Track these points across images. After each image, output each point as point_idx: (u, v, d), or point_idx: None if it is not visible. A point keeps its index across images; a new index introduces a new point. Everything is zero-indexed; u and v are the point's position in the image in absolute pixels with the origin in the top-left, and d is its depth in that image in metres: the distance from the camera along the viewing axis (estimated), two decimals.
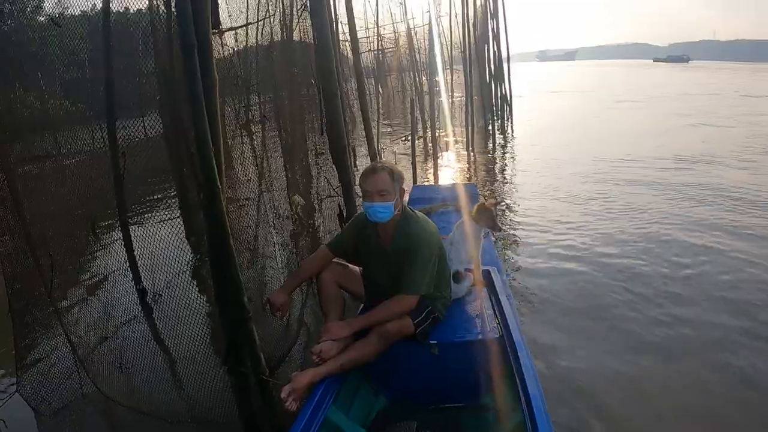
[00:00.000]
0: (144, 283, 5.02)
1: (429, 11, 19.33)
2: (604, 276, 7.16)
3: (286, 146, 5.77)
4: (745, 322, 5.72)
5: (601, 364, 5.14)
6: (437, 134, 14.72)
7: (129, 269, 5.13)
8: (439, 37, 25.54)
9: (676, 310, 6.05)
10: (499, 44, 23.45)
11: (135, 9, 4.77)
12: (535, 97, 42.49)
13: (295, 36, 6.46)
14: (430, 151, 14.31)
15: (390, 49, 29.43)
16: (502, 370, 3.70)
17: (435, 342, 3.78)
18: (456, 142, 19.45)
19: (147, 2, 4.80)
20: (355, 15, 8.74)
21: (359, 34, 13.82)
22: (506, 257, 7.86)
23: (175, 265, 4.60)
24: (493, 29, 23.00)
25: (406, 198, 5.75)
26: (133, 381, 4.38)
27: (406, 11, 23.87)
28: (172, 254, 4.53)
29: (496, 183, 13.46)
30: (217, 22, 3.72)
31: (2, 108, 4.10)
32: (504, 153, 17.59)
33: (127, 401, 4.22)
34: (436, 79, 19.01)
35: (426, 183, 12.19)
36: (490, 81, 22.79)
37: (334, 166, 5.86)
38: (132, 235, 5.21)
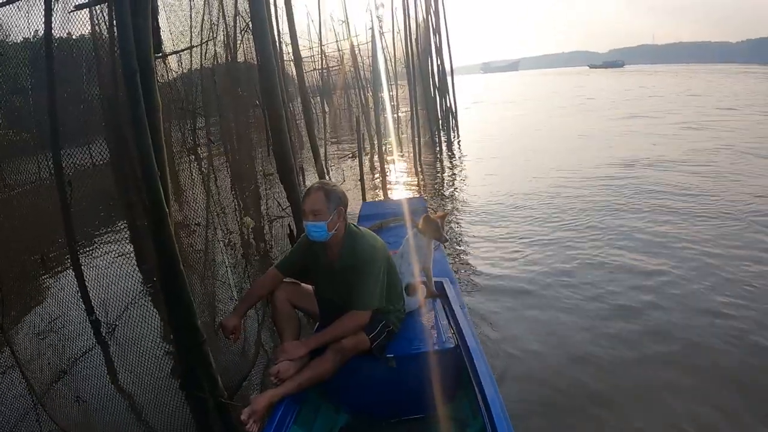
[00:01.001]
0: (97, 313, 4.95)
1: (372, 28, 19.47)
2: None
3: (234, 168, 5.76)
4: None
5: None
6: (384, 149, 14.77)
7: (81, 300, 5.05)
8: (383, 53, 25.73)
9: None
10: (442, 58, 23.74)
11: (78, 34, 4.73)
12: (479, 108, 43.04)
13: (240, 57, 6.46)
14: (378, 167, 14.36)
15: (335, 67, 29.51)
16: (460, 379, 3.76)
17: (392, 355, 3.81)
18: (403, 156, 19.53)
19: (89, 28, 4.78)
20: (298, 34, 8.77)
21: (303, 53, 13.86)
22: (457, 267, 7.93)
23: (128, 294, 4.54)
24: (435, 44, 23.25)
25: (357, 215, 5.76)
26: (91, 414, 4.30)
27: (349, 29, 23.99)
28: (124, 283, 4.48)
29: (444, 195, 13.53)
30: (159, 46, 3.70)
31: None
32: (452, 165, 17.69)
33: None
34: (381, 95, 19.10)
35: (376, 199, 12.22)
36: (434, 94, 23.01)
37: (282, 186, 5.86)
38: (82, 265, 5.14)
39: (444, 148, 20.76)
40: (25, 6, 4.41)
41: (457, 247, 8.99)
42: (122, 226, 5.67)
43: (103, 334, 4.81)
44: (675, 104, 33.67)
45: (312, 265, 4.06)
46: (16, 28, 4.29)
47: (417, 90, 19.08)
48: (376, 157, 15.80)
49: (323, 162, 8.64)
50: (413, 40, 19.06)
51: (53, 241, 4.99)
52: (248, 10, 5.99)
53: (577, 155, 17.07)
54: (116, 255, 4.71)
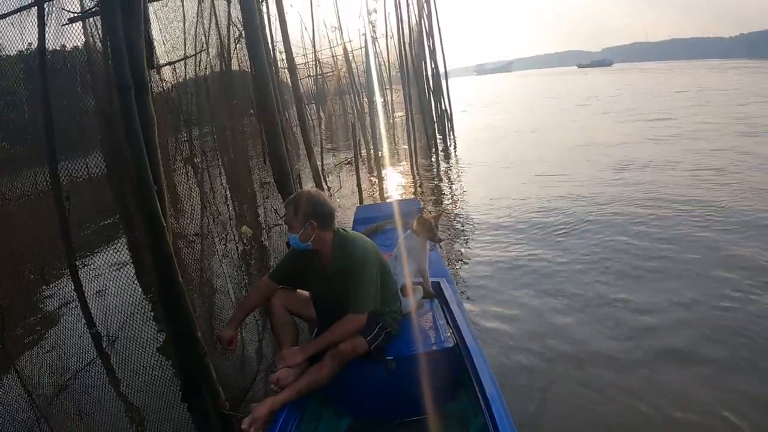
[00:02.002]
0: (98, 326, 4.94)
1: (365, 34, 19.48)
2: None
3: (230, 178, 5.76)
4: None
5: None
6: (380, 154, 14.79)
7: (81, 314, 5.04)
8: (377, 58, 25.74)
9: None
10: (436, 61, 23.73)
11: (71, 46, 4.73)
12: (474, 111, 43.08)
13: (234, 66, 6.47)
14: (375, 171, 14.39)
15: (329, 74, 29.50)
16: (460, 379, 3.78)
17: (391, 357, 3.82)
18: (399, 159, 19.54)
19: (83, 40, 4.78)
20: (292, 42, 8.78)
21: (297, 60, 13.87)
22: (453, 266, 8.01)
23: (128, 307, 4.54)
24: (429, 47, 23.25)
25: (351, 219, 5.77)
26: (94, 427, 4.29)
27: (342, 35, 24.01)
28: (123, 296, 4.48)
29: (440, 197, 13.59)
30: (152, 60, 3.71)
31: None
32: (448, 167, 17.71)
33: None
34: (375, 100, 19.11)
35: (372, 202, 12.23)
36: (429, 98, 23.01)
37: (279, 195, 5.85)
38: (82, 278, 5.13)
39: (440, 151, 20.75)
40: (19, 19, 4.42)
41: (453, 247, 9.02)
42: (120, 238, 5.67)
43: (104, 347, 4.81)
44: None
45: (305, 271, 4.07)
46: (10, 41, 4.29)
47: (412, 94, 19.07)
48: (372, 162, 15.82)
49: (319, 168, 8.63)
50: (407, 44, 19.07)
51: (52, 255, 4.99)
52: (241, 19, 6.00)
53: (571, 156, 17.14)
54: (115, 267, 4.69)
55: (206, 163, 5.79)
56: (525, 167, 15.88)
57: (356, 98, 22.91)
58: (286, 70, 13.85)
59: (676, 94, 39.41)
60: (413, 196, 13.16)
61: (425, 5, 22.78)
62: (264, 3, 8.22)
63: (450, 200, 13.17)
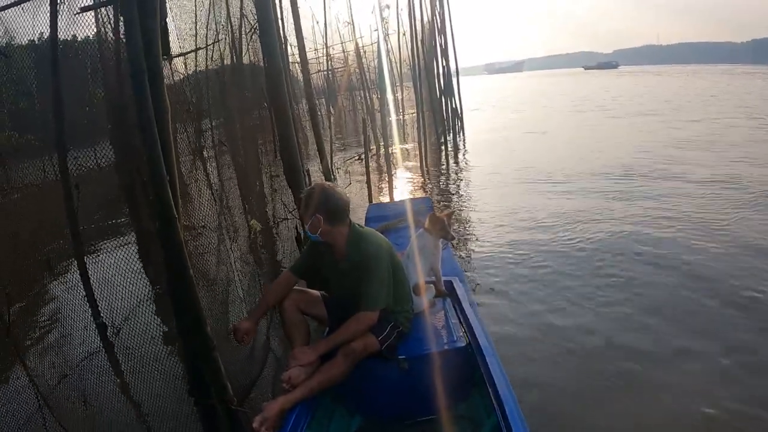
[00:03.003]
0: (103, 317, 4.91)
1: (377, 30, 19.44)
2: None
3: (240, 170, 5.72)
4: None
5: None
6: (390, 151, 14.76)
7: (87, 303, 5.01)
8: (388, 54, 25.70)
9: None
10: (448, 59, 23.65)
11: (83, 37, 4.70)
12: (485, 110, 42.98)
13: (245, 59, 6.44)
14: (385, 169, 14.36)
15: (340, 69, 29.46)
16: (472, 378, 3.73)
17: (404, 357, 3.80)
18: (409, 157, 19.50)
19: (95, 30, 4.74)
20: (303, 36, 8.74)
21: (308, 55, 13.83)
22: (464, 265, 7.97)
23: (134, 298, 4.50)
24: (440, 45, 23.18)
25: (363, 217, 5.74)
26: (97, 417, 4.26)
27: (354, 31, 23.96)
28: (130, 287, 4.44)
29: (450, 195, 13.57)
30: (167, 48, 3.67)
31: None
32: (457, 166, 17.67)
33: None
34: (387, 97, 19.09)
35: (382, 200, 12.20)
36: (440, 96, 22.95)
37: (289, 188, 5.82)
38: (88, 268, 5.10)
39: (450, 149, 20.71)
40: (31, 8, 4.39)
41: (465, 246, 8.99)
42: (128, 229, 5.65)
43: (110, 338, 4.78)
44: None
45: (320, 265, 4.08)
46: (21, 31, 4.26)
47: (423, 91, 19.00)
48: (382, 159, 15.78)
49: (329, 164, 8.60)
50: (419, 42, 19.00)
51: (59, 244, 4.96)
52: (254, 12, 5.97)
53: (581, 157, 17.09)
54: (122, 258, 4.65)
55: (216, 156, 5.76)
56: (536, 169, 15.79)
57: (367, 95, 22.84)
58: (296, 64, 13.88)
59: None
60: (424, 194, 13.13)
61: (438, 2, 22.70)
62: None
63: (460, 199, 13.14)
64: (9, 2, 4.30)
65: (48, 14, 4.57)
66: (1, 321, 3.86)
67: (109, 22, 4.79)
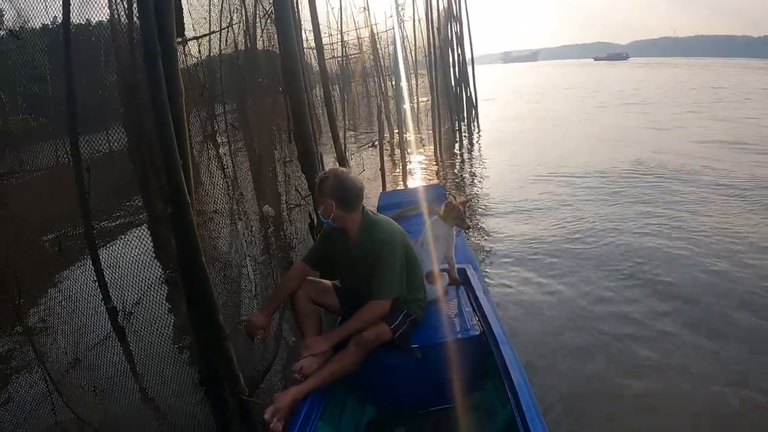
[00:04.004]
0: (114, 302, 4.90)
1: (392, 16, 19.35)
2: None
3: (253, 156, 5.68)
4: None
5: None
6: (404, 138, 14.71)
7: (98, 288, 5.00)
8: (403, 42, 25.60)
9: None
10: (463, 47, 23.53)
11: (96, 20, 4.67)
12: (500, 100, 42.69)
13: (259, 44, 6.40)
14: (398, 156, 14.29)
15: (354, 55, 29.36)
16: (486, 367, 3.72)
17: (417, 346, 3.76)
18: (423, 145, 19.44)
19: (108, 13, 4.71)
20: (318, 21, 8.70)
21: (323, 41, 13.80)
22: (477, 253, 7.96)
23: (145, 283, 4.48)
24: (456, 32, 23.06)
25: (375, 205, 5.70)
26: (108, 405, 4.25)
27: (369, 16, 23.83)
28: (141, 272, 4.42)
29: (464, 183, 13.54)
30: (182, 29, 3.62)
31: None
32: (471, 155, 17.61)
33: (102, 425, 4.09)
34: (401, 84, 19.05)
35: (396, 188, 12.17)
36: (455, 84, 22.85)
37: (303, 175, 5.78)
38: (99, 252, 5.09)
39: (464, 138, 20.63)
40: None
41: (479, 234, 8.99)
42: (140, 214, 5.63)
43: (121, 323, 4.77)
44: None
45: (333, 253, 4.05)
46: (34, 14, 4.23)
47: (437, 79, 18.91)
48: (396, 146, 15.74)
49: (343, 150, 8.56)
50: (434, 29, 18.89)
51: (71, 227, 4.95)
52: None
53: (594, 148, 17.06)
54: (134, 243, 4.63)
55: (229, 141, 5.74)
56: (550, 158, 15.66)
57: (381, 81, 22.74)
58: (310, 50, 13.82)
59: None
60: (437, 182, 13.10)
61: None
62: None
63: (473, 187, 13.10)
64: None
65: None
66: (12, 304, 3.85)
67: (123, 7, 4.76)
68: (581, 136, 19.96)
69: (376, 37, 23.61)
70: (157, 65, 2.99)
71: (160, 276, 4.66)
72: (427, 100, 21.69)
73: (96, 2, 4.59)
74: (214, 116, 5.43)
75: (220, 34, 5.70)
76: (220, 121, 5.62)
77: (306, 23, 10.66)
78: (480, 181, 13.71)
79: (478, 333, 3.80)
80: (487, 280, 6.39)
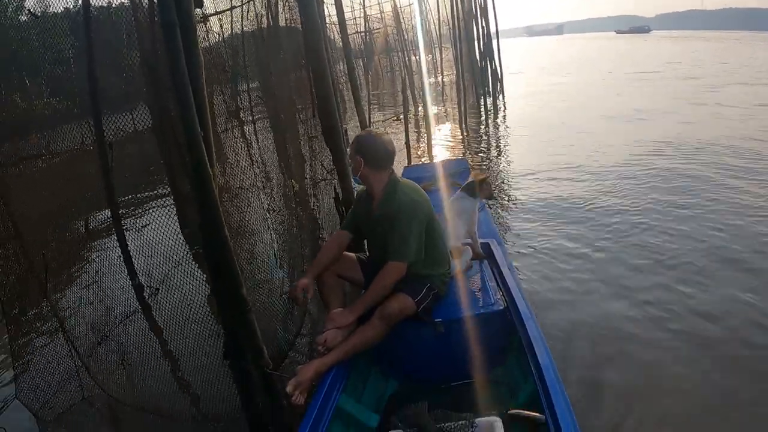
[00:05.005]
0: (140, 278, 4.93)
1: None
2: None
3: (277, 131, 5.67)
4: None
5: None
6: (429, 112, 14.65)
7: (124, 264, 5.03)
8: (427, 15, 25.44)
9: None
10: (487, 20, 23.36)
11: (117, 2, 4.68)
12: (526, 73, 42.01)
13: (281, 20, 6.37)
14: (423, 130, 14.24)
15: (377, 30, 29.25)
16: (510, 342, 3.72)
17: (440, 320, 3.76)
18: (447, 119, 19.36)
19: None
20: None
21: (346, 16, 13.75)
22: (501, 227, 8.02)
23: (171, 259, 4.50)
24: (480, 5, 22.89)
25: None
26: (135, 379, 4.29)
27: None
28: (167, 248, 4.44)
29: (489, 157, 13.49)
30: (200, 1, 3.58)
31: None
32: (496, 129, 17.48)
33: (130, 400, 4.12)
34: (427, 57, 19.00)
35: (420, 162, 12.14)
36: (479, 58, 22.71)
37: (327, 149, 5.76)
38: (125, 229, 5.12)
39: (489, 112, 20.49)
40: None
41: (503, 208, 9.05)
42: (165, 191, 5.65)
43: (147, 299, 4.81)
44: None
45: (361, 217, 4.06)
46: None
47: (462, 53, 18.77)
48: (421, 121, 15.69)
49: (368, 123, 8.54)
50: (458, 2, 18.73)
51: (96, 207, 4.98)
52: None
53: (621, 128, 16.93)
54: (159, 219, 4.64)
55: (253, 117, 5.73)
56: (577, 136, 15.29)
57: (405, 55, 22.63)
58: (333, 25, 13.76)
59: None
60: (462, 156, 13.03)
61: None
62: None
63: (498, 161, 13.00)
64: None
65: None
66: (39, 283, 3.87)
67: None
68: (608, 111, 19.62)
69: (399, 10, 23.47)
70: (175, 32, 2.95)
71: (186, 252, 4.67)
72: (452, 74, 21.52)
73: None
74: (238, 93, 5.41)
75: (242, 9, 5.67)
76: (243, 98, 5.61)
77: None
78: (504, 155, 13.63)
79: (501, 308, 3.79)
80: (510, 254, 6.32)
